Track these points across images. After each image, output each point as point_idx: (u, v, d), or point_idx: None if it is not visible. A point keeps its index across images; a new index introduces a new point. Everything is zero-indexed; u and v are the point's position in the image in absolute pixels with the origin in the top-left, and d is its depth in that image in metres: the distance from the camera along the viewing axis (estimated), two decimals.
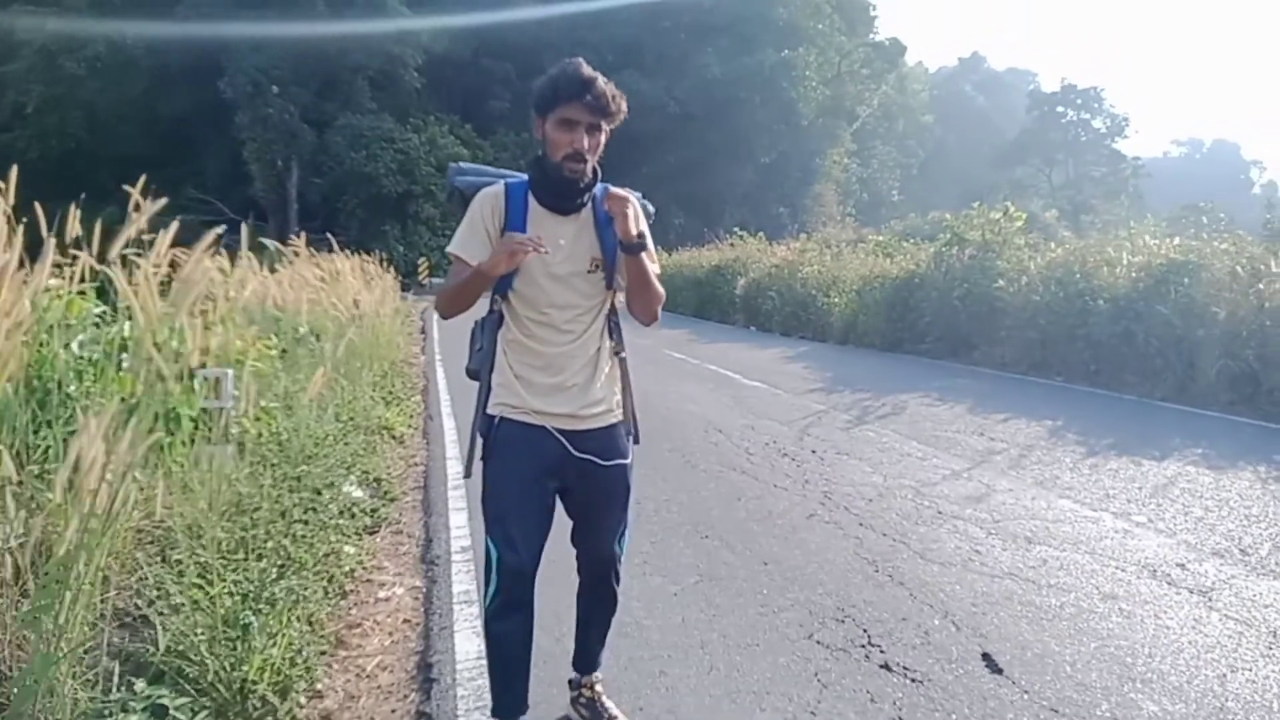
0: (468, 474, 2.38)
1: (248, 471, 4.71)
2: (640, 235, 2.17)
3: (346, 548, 4.31)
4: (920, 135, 68.66)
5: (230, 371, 5.00)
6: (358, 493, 5.29)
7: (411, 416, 7.86)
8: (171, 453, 4.14)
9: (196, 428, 4.31)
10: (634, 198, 2.28)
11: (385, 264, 24.17)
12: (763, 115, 43.54)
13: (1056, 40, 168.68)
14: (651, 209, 2.47)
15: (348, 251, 19.17)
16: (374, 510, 4.93)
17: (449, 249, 2.28)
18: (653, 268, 2.25)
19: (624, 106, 2.16)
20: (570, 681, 2.62)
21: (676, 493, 5.10)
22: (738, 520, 4.56)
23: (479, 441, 2.33)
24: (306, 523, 4.27)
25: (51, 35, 34.08)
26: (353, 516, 4.77)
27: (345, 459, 5.62)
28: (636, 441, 2.43)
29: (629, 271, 2.21)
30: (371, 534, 4.69)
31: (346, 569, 4.03)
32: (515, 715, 2.34)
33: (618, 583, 2.47)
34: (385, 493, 5.37)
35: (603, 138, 2.18)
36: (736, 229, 21.58)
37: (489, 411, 2.29)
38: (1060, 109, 65.53)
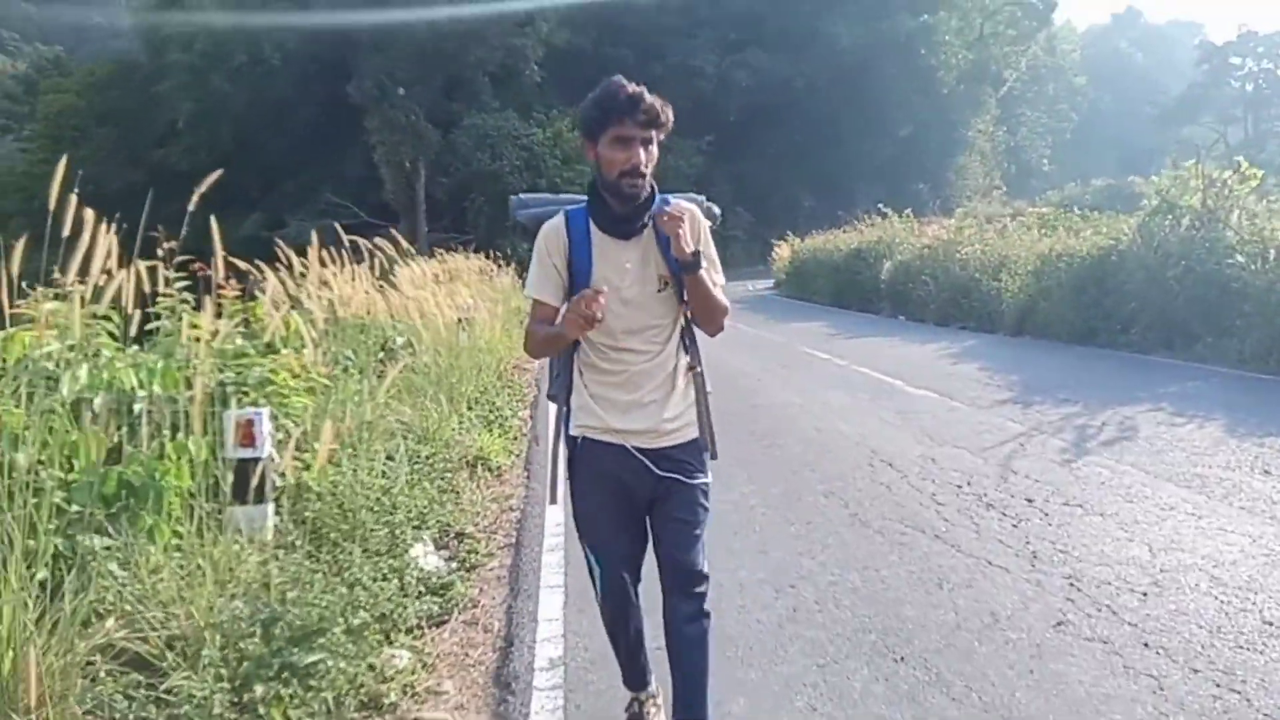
0: (553, 499, 2.54)
1: (277, 546, 3.64)
2: (696, 254, 2.14)
3: (399, 654, 3.16)
4: (1072, 98, 63.18)
5: (264, 411, 3.94)
6: (431, 559, 4.15)
7: (515, 439, 6.75)
8: (158, 536, 3.09)
9: (193, 499, 3.23)
10: (693, 209, 2.26)
11: (507, 261, 23.73)
12: (898, 85, 40.70)
13: None
14: (717, 212, 2.47)
15: (471, 251, 18.65)
16: (445, 587, 3.77)
17: (526, 292, 2.37)
18: (716, 278, 2.26)
19: (671, 115, 2.13)
20: None
21: (845, 570, 3.69)
22: (946, 628, 3.11)
23: (562, 465, 2.40)
24: (345, 619, 3.13)
25: (198, 54, 35.53)
26: (418, 597, 3.63)
27: (420, 509, 4.51)
28: (714, 456, 2.39)
29: (689, 290, 2.21)
30: (439, 625, 3.53)
31: (389, 697, 2.86)
32: (642, 687, 2.51)
33: (707, 618, 2.33)
34: (466, 556, 4.22)
35: (655, 149, 2.15)
36: (880, 206, 19.58)
37: (570, 433, 2.34)
38: (1236, 59, 58.87)
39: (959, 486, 4.75)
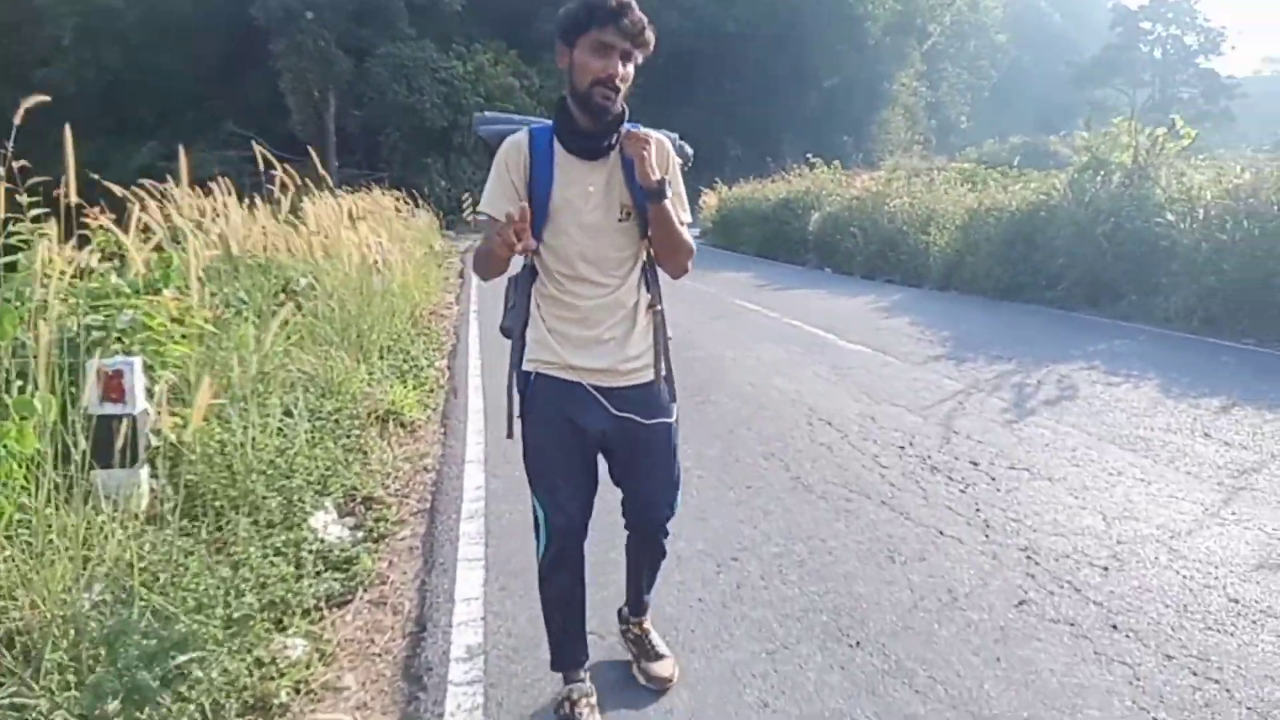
0: (510, 434, 2.25)
1: (147, 519, 3.17)
2: (661, 181, 2.01)
3: (292, 643, 2.76)
4: (993, 56, 64.04)
5: (136, 361, 3.42)
6: (333, 529, 3.72)
7: (430, 391, 6.29)
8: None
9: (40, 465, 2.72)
10: (662, 138, 2.16)
11: (425, 200, 22.70)
12: (827, 35, 40.47)
13: None
14: (690, 151, 2.33)
15: (384, 188, 17.71)
16: (349, 561, 3.36)
17: (479, 207, 2.15)
18: (683, 215, 2.14)
19: (653, 38, 2.00)
20: (619, 614, 2.64)
21: (790, 540, 3.42)
22: (902, 608, 2.87)
23: (516, 400, 2.24)
24: (227, 607, 2.71)
25: None
26: (317, 574, 3.21)
27: (322, 471, 4.06)
28: (672, 399, 2.26)
29: (653, 221, 2.09)
30: (341, 606, 3.13)
31: (279, 697, 2.47)
32: (576, 667, 2.35)
33: (665, 537, 2.42)
34: (374, 525, 3.80)
35: (632, 69, 2.00)
36: (808, 156, 19.36)
37: (524, 368, 2.21)
38: (1147, 24, 60.48)
39: (901, 448, 4.54)
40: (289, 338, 5.39)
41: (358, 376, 5.53)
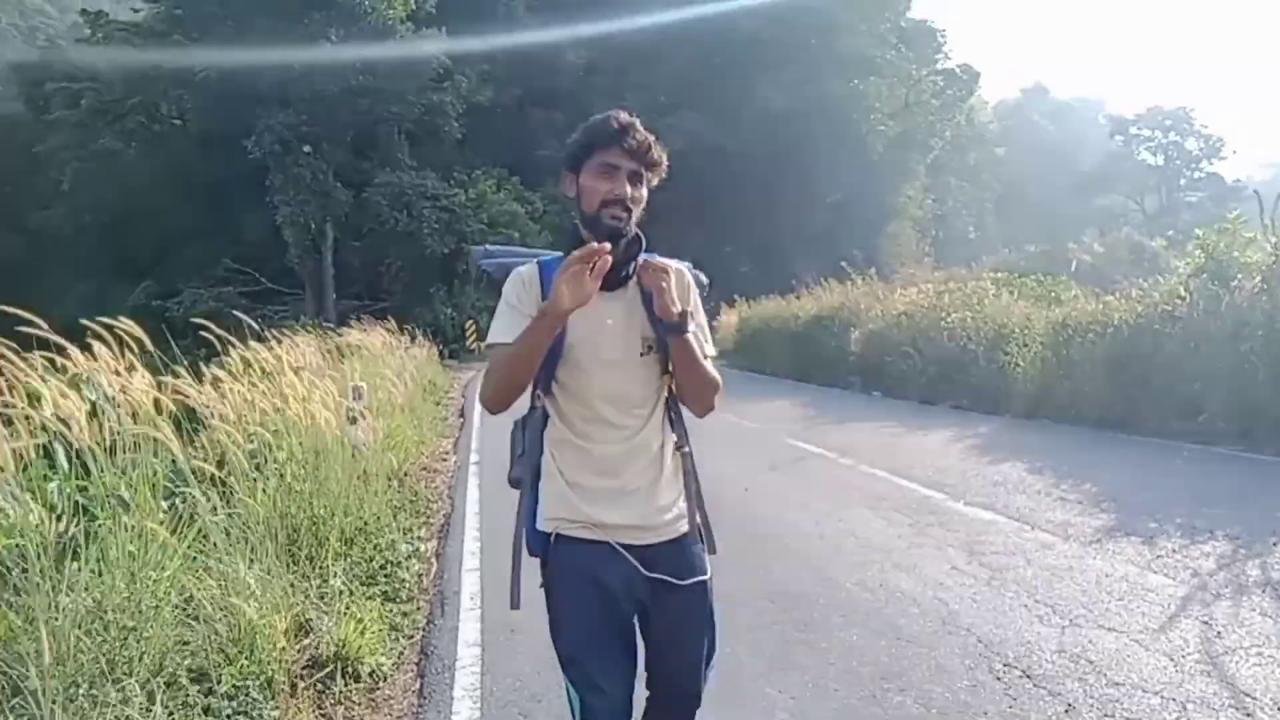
0: (514, 604, 1.95)
1: None
2: (683, 314, 1.87)
3: None
4: (994, 168, 64.51)
5: None
6: None
7: (406, 605, 4.43)
8: None
9: None
10: (682, 268, 2.03)
11: (424, 331, 21.27)
12: (830, 152, 40.21)
13: (1116, 67, 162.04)
14: (705, 280, 2.15)
15: (385, 320, 16.29)
16: None
17: (487, 341, 2.00)
18: (707, 349, 2.00)
19: (664, 159, 1.95)
20: None
21: None
22: None
23: (523, 565, 1.97)
24: None
25: (87, 110, 32.72)
26: None
27: None
28: (712, 551, 2.06)
29: (675, 356, 1.93)
30: None
31: None
32: None
33: (696, 711, 2.06)
34: None
35: (644, 191, 1.93)
36: (844, 265, 17.99)
37: (540, 528, 1.98)
38: (1146, 131, 60.93)
39: None
40: (187, 551, 3.60)
41: (282, 603, 3.67)
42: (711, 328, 2.23)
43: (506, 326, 1.93)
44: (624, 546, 1.92)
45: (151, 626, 3.02)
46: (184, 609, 3.34)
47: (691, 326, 1.90)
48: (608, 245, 1.76)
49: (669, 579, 1.93)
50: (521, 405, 2.01)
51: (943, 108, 49.43)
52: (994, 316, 11.11)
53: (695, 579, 1.96)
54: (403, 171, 30.87)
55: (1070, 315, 9.54)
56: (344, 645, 3.58)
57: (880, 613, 3.86)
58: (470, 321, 31.39)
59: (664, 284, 1.84)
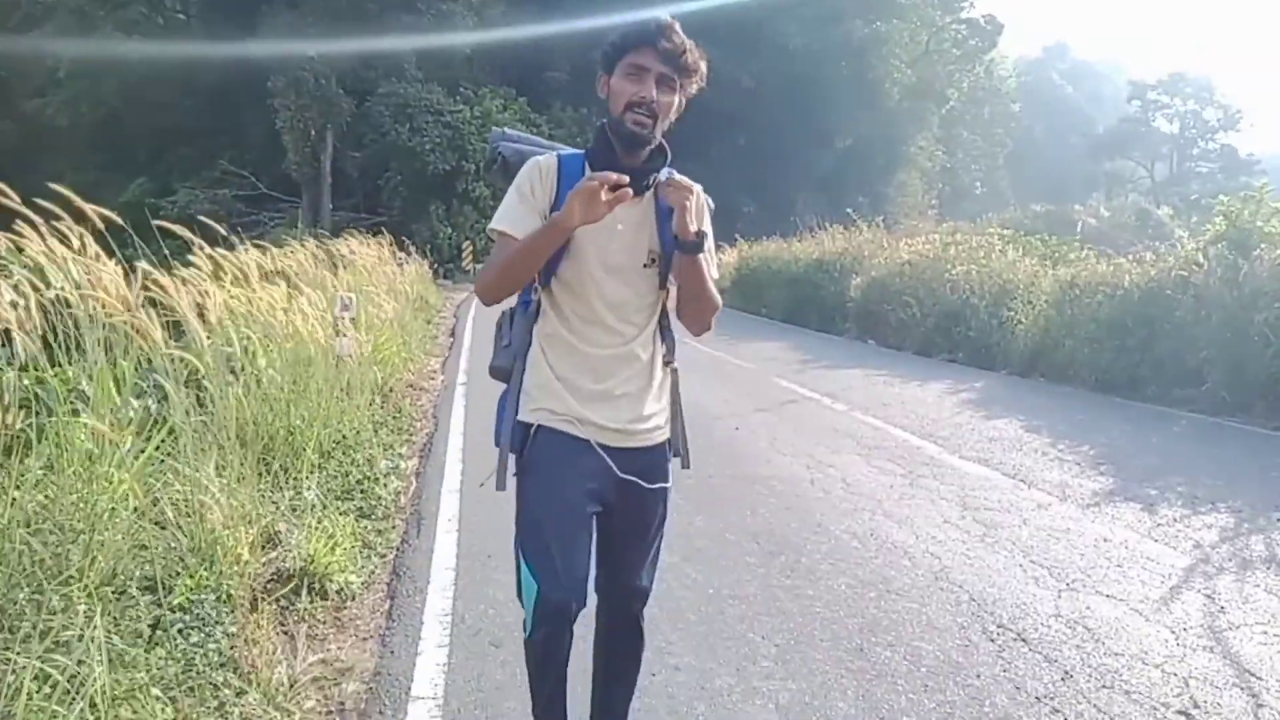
0: (500, 486, 2.02)
1: None
2: (700, 234, 1.88)
3: None
4: (1007, 124, 63.28)
5: None
6: None
7: (381, 522, 4.30)
8: None
9: None
10: (697, 188, 1.93)
11: (422, 247, 20.90)
12: (845, 94, 39.30)
13: (1139, 34, 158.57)
14: (712, 204, 2.07)
15: (372, 234, 15.92)
16: None
17: (491, 225, 1.94)
18: (713, 271, 1.98)
19: (704, 68, 1.91)
20: None
21: None
22: None
23: (510, 455, 2.00)
24: None
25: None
26: None
27: None
28: (686, 465, 2.13)
29: (684, 274, 1.93)
30: None
31: None
32: None
33: (642, 620, 2.15)
34: None
35: (676, 99, 1.89)
36: (848, 211, 17.65)
37: (523, 418, 1.98)
38: (1164, 97, 59.74)
39: (1186, 716, 2.54)
40: (154, 453, 3.42)
41: (252, 512, 3.52)
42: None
43: (514, 217, 1.92)
44: (602, 447, 1.94)
45: (105, 531, 2.85)
46: (145, 514, 3.18)
47: (707, 246, 1.90)
48: (628, 186, 1.73)
49: (639, 481, 1.97)
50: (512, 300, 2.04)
51: (963, 58, 48.27)
52: (1000, 272, 10.87)
53: (660, 484, 2.01)
54: (408, 83, 30.00)
55: (1080, 275, 9.30)
56: (312, 560, 3.44)
57: (869, 563, 3.74)
58: (467, 242, 30.91)
59: (688, 202, 1.81)
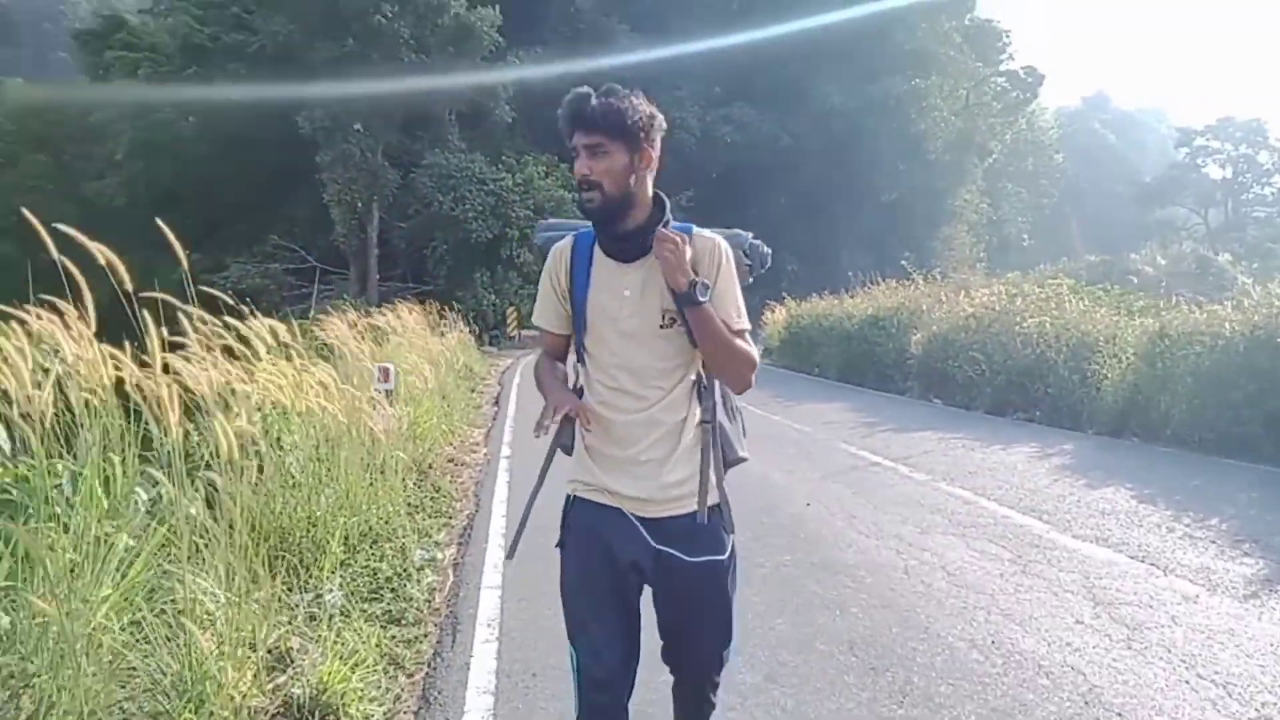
0: (510, 554, 2.10)
1: None
2: (693, 284, 1.83)
3: None
4: (1051, 175, 62.43)
5: None
6: None
7: (413, 629, 3.74)
8: None
9: None
10: (719, 238, 1.98)
11: (464, 315, 20.68)
12: (886, 149, 38.98)
13: (1179, 79, 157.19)
14: (766, 250, 2.19)
15: (418, 303, 15.71)
16: None
17: (532, 319, 2.13)
18: (735, 322, 1.92)
19: (639, 118, 1.84)
20: None
21: None
22: None
23: (528, 520, 2.05)
24: None
25: (145, 79, 32.77)
26: None
27: None
28: (730, 530, 1.99)
29: (693, 327, 1.88)
30: None
31: None
32: None
33: (714, 693, 2.12)
34: None
35: (622, 159, 1.85)
36: (903, 264, 17.06)
37: (565, 490, 2.05)
38: (1214, 143, 58.48)
39: None
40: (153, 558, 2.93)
41: (256, 636, 2.98)
42: (756, 325, 1.77)
43: (543, 310, 2.04)
44: (635, 516, 1.92)
45: (76, 664, 2.34)
46: (132, 638, 2.67)
47: (706, 296, 1.84)
48: (564, 411, 1.87)
49: (678, 554, 1.92)
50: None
51: (1004, 110, 47.87)
52: (1076, 323, 10.14)
53: (706, 557, 1.93)
54: (451, 153, 30.36)
55: (1170, 324, 8.55)
56: (326, 688, 2.89)
57: (998, 682, 3.06)
58: (511, 308, 30.81)
59: (669, 254, 1.80)
